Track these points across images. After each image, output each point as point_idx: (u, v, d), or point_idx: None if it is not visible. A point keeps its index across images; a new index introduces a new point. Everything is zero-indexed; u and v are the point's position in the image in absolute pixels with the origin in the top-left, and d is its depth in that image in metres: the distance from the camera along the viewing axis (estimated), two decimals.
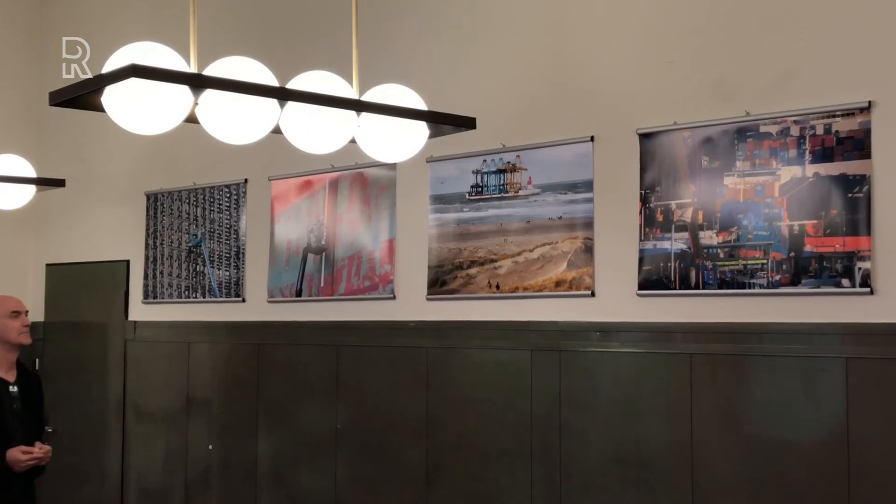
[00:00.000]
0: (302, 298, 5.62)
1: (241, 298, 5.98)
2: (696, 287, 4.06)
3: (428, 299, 5.02)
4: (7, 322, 4.03)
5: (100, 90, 2.66)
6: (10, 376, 4.03)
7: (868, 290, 3.63)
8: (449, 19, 5.09)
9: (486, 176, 4.82)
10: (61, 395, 7.14)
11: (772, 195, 3.89)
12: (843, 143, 3.72)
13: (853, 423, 3.66)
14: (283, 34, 5.81)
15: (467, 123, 3.42)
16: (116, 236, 6.90)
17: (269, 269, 5.82)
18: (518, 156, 4.71)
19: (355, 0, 3.37)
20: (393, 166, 5.15)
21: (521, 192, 4.68)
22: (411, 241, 5.13)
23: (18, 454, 3.85)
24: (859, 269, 3.66)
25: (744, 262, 3.95)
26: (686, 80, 4.20)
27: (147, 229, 6.64)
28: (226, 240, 6.10)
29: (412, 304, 5.11)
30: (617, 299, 4.34)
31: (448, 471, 4.92)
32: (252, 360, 5.89)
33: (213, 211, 6.18)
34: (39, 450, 3.91)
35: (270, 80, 2.88)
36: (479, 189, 4.84)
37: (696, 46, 4.19)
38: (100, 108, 2.76)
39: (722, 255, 4.01)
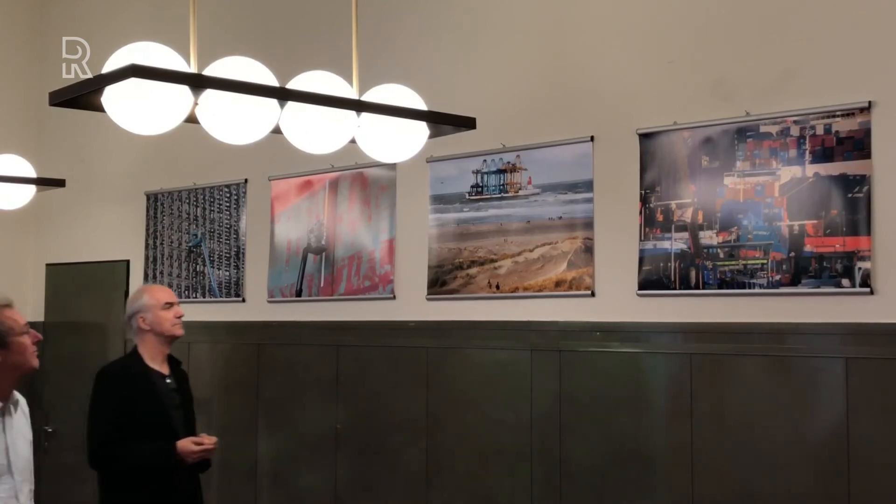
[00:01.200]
0: (302, 298, 5.62)
1: (241, 298, 5.98)
2: (696, 287, 4.06)
3: (428, 299, 5.02)
4: (161, 313, 3.86)
5: (100, 90, 2.67)
6: (165, 369, 3.89)
7: (868, 290, 3.63)
8: (449, 19, 5.09)
9: (486, 176, 4.82)
10: (61, 395, 7.14)
11: (772, 195, 3.89)
12: (843, 143, 3.72)
13: (853, 423, 3.65)
14: (283, 34, 5.81)
15: (467, 123, 3.42)
16: (116, 236, 6.90)
17: (269, 269, 5.82)
18: (518, 156, 4.71)
19: (355, 0, 3.37)
20: (393, 166, 5.15)
21: (521, 192, 4.69)
22: (411, 241, 5.13)
23: (190, 445, 3.73)
24: (859, 269, 3.66)
25: (744, 262, 3.95)
26: (686, 80, 4.20)
27: (147, 229, 6.64)
28: (226, 240, 6.10)
29: (412, 304, 5.11)
30: (617, 299, 4.34)
31: (448, 471, 4.92)
32: (252, 360, 5.89)
33: (213, 211, 6.19)
34: (209, 441, 3.78)
35: (270, 80, 2.89)
36: (479, 189, 4.84)
37: (696, 46, 4.19)
38: (100, 108, 2.76)
39: (722, 255, 4.01)
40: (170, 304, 3.90)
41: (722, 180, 4.02)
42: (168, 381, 3.88)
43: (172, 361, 3.98)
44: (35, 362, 3.21)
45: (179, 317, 3.93)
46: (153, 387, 3.80)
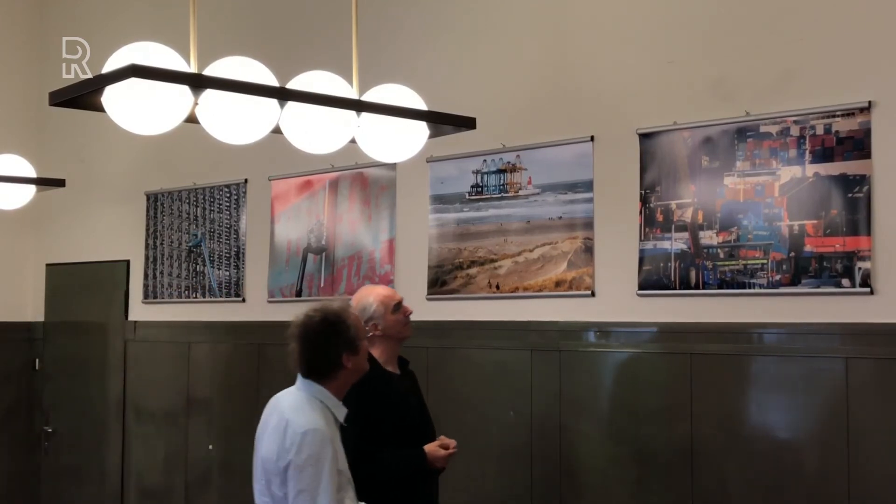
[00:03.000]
0: (302, 298, 5.62)
1: (241, 298, 5.98)
2: (696, 287, 4.06)
3: (428, 299, 5.02)
4: (392, 318, 3.64)
5: (100, 90, 2.67)
6: (396, 370, 3.69)
7: (868, 290, 3.63)
8: (449, 19, 5.09)
9: (486, 176, 4.82)
10: (61, 395, 7.15)
11: (772, 195, 3.89)
12: (843, 143, 3.72)
13: (853, 423, 3.65)
14: (283, 34, 5.81)
15: (467, 123, 3.42)
16: (116, 236, 6.90)
17: (269, 269, 5.82)
18: (518, 156, 4.71)
19: (355, 0, 3.37)
20: (393, 166, 5.15)
21: (521, 192, 4.69)
22: (411, 241, 5.13)
23: (439, 450, 3.56)
24: (859, 269, 3.66)
25: (744, 262, 3.95)
26: (686, 80, 4.20)
27: (147, 229, 6.64)
28: (226, 240, 6.10)
29: (412, 304, 5.06)
30: (617, 299, 4.34)
31: (448, 471, 4.91)
32: (252, 360, 5.89)
33: (213, 211, 6.19)
34: (452, 444, 3.59)
35: (270, 80, 2.89)
36: (479, 189, 4.84)
37: (696, 46, 4.19)
38: (100, 108, 2.76)
39: (722, 255, 4.01)
40: (399, 305, 3.69)
41: (722, 180, 4.02)
42: (403, 382, 3.71)
43: (401, 361, 3.77)
44: (367, 366, 3.15)
45: (408, 315, 3.72)
46: (393, 392, 3.61)
